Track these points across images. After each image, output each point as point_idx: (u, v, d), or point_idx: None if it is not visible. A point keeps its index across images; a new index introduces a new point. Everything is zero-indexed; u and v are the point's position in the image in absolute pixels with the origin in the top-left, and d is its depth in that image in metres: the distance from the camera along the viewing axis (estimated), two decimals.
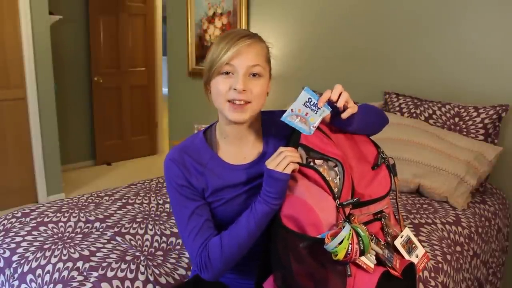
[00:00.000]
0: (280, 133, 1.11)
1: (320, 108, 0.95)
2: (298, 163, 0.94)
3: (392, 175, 1.06)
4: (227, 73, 1.00)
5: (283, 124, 1.10)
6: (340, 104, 0.95)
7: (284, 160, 0.92)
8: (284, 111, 1.16)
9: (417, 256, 1.05)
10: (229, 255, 0.99)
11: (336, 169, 0.94)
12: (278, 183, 0.93)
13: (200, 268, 1.03)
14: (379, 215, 1.01)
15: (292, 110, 0.96)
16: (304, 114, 0.95)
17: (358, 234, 0.84)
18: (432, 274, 1.38)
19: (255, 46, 1.01)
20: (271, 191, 0.94)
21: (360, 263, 0.88)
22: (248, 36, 1.01)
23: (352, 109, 0.97)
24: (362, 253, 0.85)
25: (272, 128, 1.12)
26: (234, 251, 0.99)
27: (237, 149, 1.09)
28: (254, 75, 1.01)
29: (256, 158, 1.09)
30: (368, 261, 0.90)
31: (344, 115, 0.97)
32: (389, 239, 1.01)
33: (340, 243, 0.82)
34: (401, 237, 1.04)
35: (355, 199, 0.94)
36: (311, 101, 0.95)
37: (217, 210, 1.07)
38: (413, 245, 1.06)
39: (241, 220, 0.99)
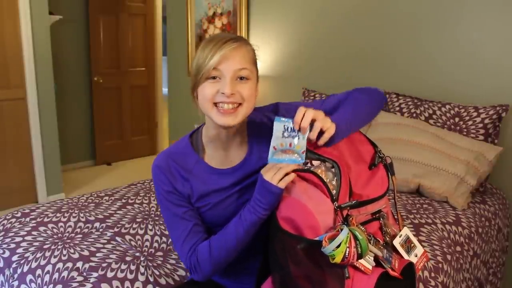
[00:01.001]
0: (265, 133, 1.09)
1: (299, 130, 0.89)
2: (297, 169, 0.93)
3: (389, 174, 1.06)
4: (213, 77, 0.98)
5: (268, 123, 1.10)
6: (313, 136, 0.89)
7: (279, 172, 0.91)
8: (272, 105, 1.16)
9: (416, 256, 1.05)
10: (217, 259, 1.01)
11: (333, 170, 0.94)
12: (271, 196, 0.93)
13: (190, 270, 1.06)
14: (377, 215, 1.01)
15: (274, 148, 0.90)
16: (288, 146, 0.90)
17: (356, 238, 0.84)
18: (432, 274, 1.38)
19: (240, 50, 0.99)
20: (262, 201, 0.94)
21: (358, 265, 0.88)
22: (234, 39, 0.99)
23: (329, 131, 0.89)
24: (360, 256, 0.84)
25: (257, 129, 1.11)
26: (223, 255, 1.01)
27: (223, 152, 1.09)
28: (241, 78, 0.99)
29: (240, 161, 1.09)
30: (366, 263, 0.90)
31: (321, 142, 0.90)
32: (387, 238, 1.01)
33: (338, 246, 0.82)
34: (399, 237, 1.04)
35: (353, 202, 0.93)
36: (288, 127, 0.89)
37: (204, 215, 1.08)
38: (412, 245, 1.05)
39: (230, 226, 1.00)
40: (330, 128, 0.90)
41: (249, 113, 1.03)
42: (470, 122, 2.01)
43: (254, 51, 1.06)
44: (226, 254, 1.01)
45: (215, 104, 0.99)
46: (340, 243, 0.82)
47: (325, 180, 0.91)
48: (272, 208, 0.95)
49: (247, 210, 0.97)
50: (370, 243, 0.90)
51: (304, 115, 0.89)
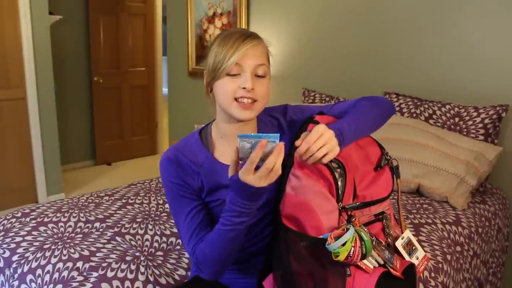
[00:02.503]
0: (275, 131, 1.12)
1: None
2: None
3: (395, 176, 1.06)
4: (234, 73, 1.00)
5: (275, 123, 1.12)
6: (318, 156, 0.89)
7: (270, 177, 0.88)
8: (281, 106, 1.17)
9: (417, 258, 1.05)
10: (213, 256, 1.00)
11: (338, 170, 0.94)
12: (257, 195, 0.91)
13: (196, 267, 1.05)
14: (380, 216, 1.02)
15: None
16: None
17: (361, 238, 0.84)
18: (432, 274, 1.38)
19: (259, 46, 1.03)
20: (240, 199, 0.92)
21: (359, 263, 0.88)
22: (252, 36, 1.03)
23: (333, 152, 0.89)
24: (364, 257, 0.85)
25: (266, 127, 1.13)
26: (216, 252, 0.99)
27: (233, 148, 1.09)
28: (259, 76, 1.02)
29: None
30: (368, 262, 0.90)
31: (323, 161, 0.90)
32: (389, 240, 1.01)
33: (343, 244, 0.82)
34: (401, 239, 1.04)
35: (358, 204, 0.94)
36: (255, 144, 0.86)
37: (214, 210, 1.08)
38: (414, 247, 1.06)
39: (220, 220, 0.98)
40: (333, 150, 0.90)
41: (262, 109, 1.05)
42: (470, 122, 2.01)
43: (267, 48, 1.08)
44: (220, 250, 0.99)
45: (235, 99, 1.00)
46: (346, 242, 0.82)
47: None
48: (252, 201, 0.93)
49: (227, 205, 0.95)
50: (373, 244, 0.90)
51: (310, 146, 0.88)
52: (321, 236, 0.87)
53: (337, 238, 0.83)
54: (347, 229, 0.85)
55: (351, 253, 0.83)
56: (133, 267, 1.34)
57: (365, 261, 0.89)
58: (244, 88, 0.98)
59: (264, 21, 3.06)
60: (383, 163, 1.05)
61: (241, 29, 1.05)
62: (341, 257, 0.83)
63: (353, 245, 0.83)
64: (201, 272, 1.04)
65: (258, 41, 1.03)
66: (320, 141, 0.89)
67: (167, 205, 1.85)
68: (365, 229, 0.92)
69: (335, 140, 0.90)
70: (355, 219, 0.91)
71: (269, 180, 0.88)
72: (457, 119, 2.05)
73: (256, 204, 0.93)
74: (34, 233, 1.54)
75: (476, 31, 2.13)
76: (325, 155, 0.89)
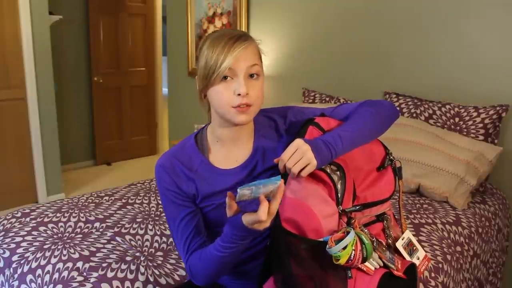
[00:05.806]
0: (270, 134, 1.10)
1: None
2: None
3: (397, 178, 1.06)
4: (225, 77, 0.97)
5: (272, 125, 1.10)
6: (295, 171, 0.89)
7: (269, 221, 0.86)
8: (283, 108, 1.16)
9: (418, 259, 1.05)
10: (207, 270, 1.00)
11: (338, 173, 0.93)
12: (259, 232, 0.89)
13: (189, 274, 1.05)
14: (381, 217, 1.01)
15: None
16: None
17: (362, 241, 0.84)
18: (432, 274, 1.38)
19: (250, 47, 0.99)
20: (239, 235, 0.91)
21: (360, 266, 0.88)
22: (242, 38, 0.99)
23: (311, 166, 0.89)
24: (364, 260, 0.85)
25: (262, 129, 1.11)
26: (210, 268, 0.99)
27: (229, 151, 1.08)
28: (252, 76, 0.99)
29: (245, 161, 1.07)
30: (369, 264, 0.90)
31: (302, 174, 0.90)
32: (390, 241, 1.01)
33: (344, 248, 0.82)
34: (402, 239, 1.04)
35: (357, 207, 0.93)
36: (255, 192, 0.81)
37: (208, 214, 1.08)
38: (414, 248, 1.06)
39: (215, 245, 0.96)
40: (311, 164, 0.90)
41: (258, 110, 1.03)
42: (470, 122, 2.01)
43: (258, 46, 1.05)
44: (215, 268, 0.99)
45: (233, 106, 0.97)
46: (347, 245, 0.82)
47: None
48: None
49: (224, 236, 0.94)
50: (373, 245, 0.90)
51: (285, 162, 0.90)
52: (322, 239, 0.86)
53: (338, 241, 0.83)
54: (348, 232, 0.84)
55: (352, 256, 0.82)
56: (133, 267, 1.34)
57: (366, 263, 0.89)
58: (239, 94, 0.95)
59: (264, 21, 3.06)
60: (386, 164, 1.05)
61: (230, 31, 1.01)
62: (342, 261, 0.82)
63: (353, 248, 0.82)
64: (193, 278, 1.05)
65: (249, 42, 0.99)
66: (295, 156, 0.89)
67: None
68: (366, 231, 0.92)
69: (311, 154, 0.89)
70: (354, 221, 0.91)
71: (270, 221, 0.86)
72: (457, 119, 2.05)
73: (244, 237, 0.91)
74: (34, 233, 1.54)
75: (476, 31, 2.12)
76: (303, 169, 0.89)
